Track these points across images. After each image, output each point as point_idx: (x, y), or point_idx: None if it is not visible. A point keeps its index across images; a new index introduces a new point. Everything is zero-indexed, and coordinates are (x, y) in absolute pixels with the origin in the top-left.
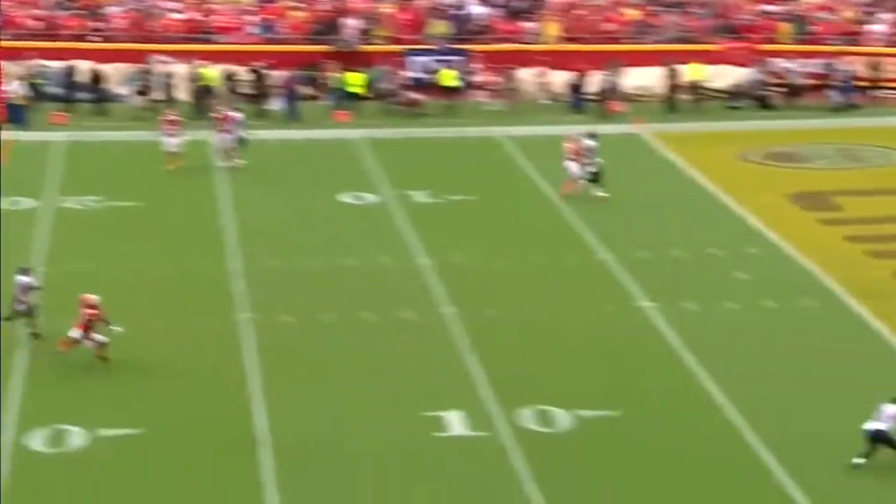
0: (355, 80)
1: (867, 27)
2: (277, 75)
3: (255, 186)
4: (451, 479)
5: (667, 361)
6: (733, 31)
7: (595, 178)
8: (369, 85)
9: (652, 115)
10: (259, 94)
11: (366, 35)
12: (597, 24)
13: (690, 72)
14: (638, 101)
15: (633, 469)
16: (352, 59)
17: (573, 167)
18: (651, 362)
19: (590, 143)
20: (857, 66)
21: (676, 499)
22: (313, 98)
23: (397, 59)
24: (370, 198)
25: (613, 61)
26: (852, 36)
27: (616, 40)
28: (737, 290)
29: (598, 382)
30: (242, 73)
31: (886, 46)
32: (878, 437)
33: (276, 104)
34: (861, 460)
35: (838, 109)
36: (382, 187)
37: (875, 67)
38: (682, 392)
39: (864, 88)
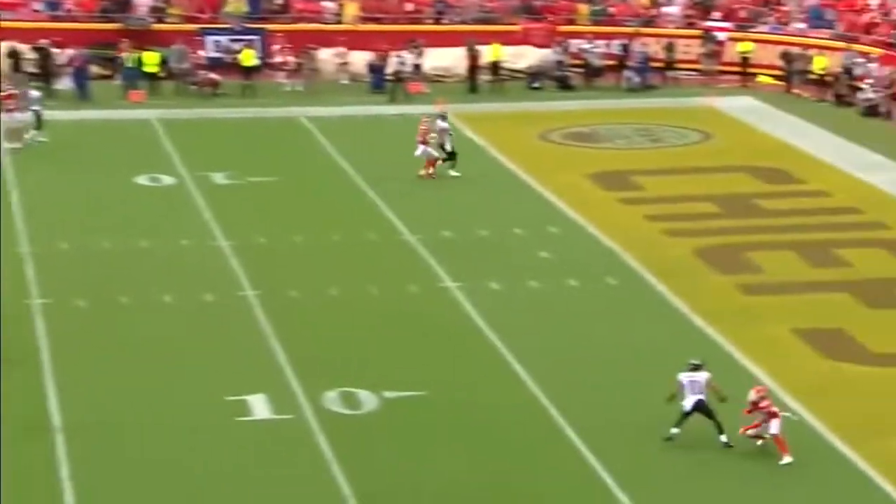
0: (150, 60)
1: (662, 9)
2: (65, 54)
3: (47, 168)
4: (255, 463)
5: (472, 341)
6: (533, 12)
7: (452, 158)
8: (164, 64)
9: (453, 96)
10: (45, 73)
11: (159, 13)
12: (396, 5)
13: (491, 52)
14: (439, 82)
15: (439, 448)
16: (145, 38)
17: (426, 149)
18: (456, 342)
19: (442, 124)
20: (653, 48)
21: (482, 475)
22: (107, 77)
23: (193, 39)
24: (167, 179)
25: (414, 42)
26: (648, 18)
27: (416, 20)
28: (540, 270)
29: (403, 363)
30: (27, 51)
31: (680, 28)
32: (698, 408)
33: (64, 83)
34: (676, 430)
35: (635, 90)
36: (180, 169)
37: (670, 49)
38: (487, 371)
39: (660, 69)
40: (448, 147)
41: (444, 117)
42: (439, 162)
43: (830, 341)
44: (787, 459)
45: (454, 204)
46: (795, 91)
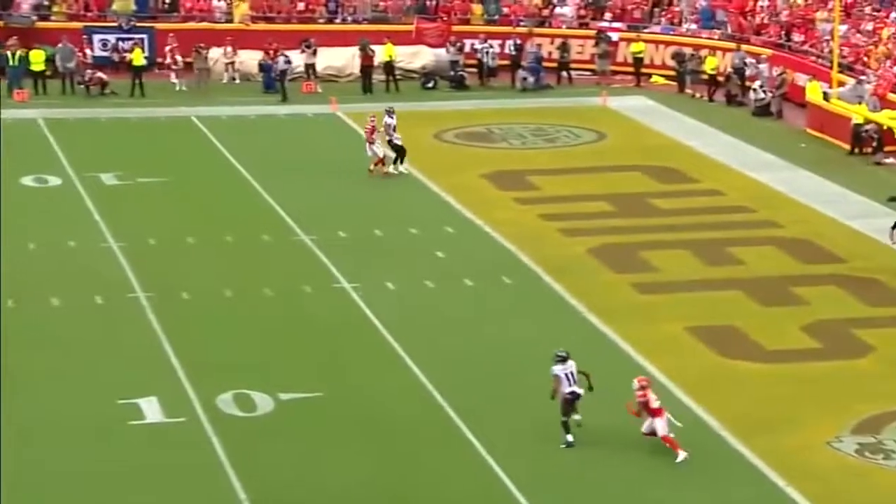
0: (36, 58)
1: (555, 10)
2: None
3: None
4: (147, 467)
5: (368, 341)
6: (427, 12)
7: (400, 154)
8: (51, 63)
9: (346, 96)
10: None
11: (42, 11)
12: (288, 4)
13: (384, 52)
14: (332, 82)
15: (335, 450)
16: (29, 36)
17: (373, 148)
18: (352, 343)
19: (390, 120)
20: (547, 48)
21: (379, 476)
22: None
23: (80, 37)
24: (54, 180)
25: (306, 41)
26: (541, 18)
27: (308, 20)
28: (436, 270)
29: (298, 365)
30: None
31: (574, 28)
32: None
33: None
34: (577, 417)
35: (530, 90)
36: (67, 169)
37: (564, 49)
38: (383, 371)
39: (553, 69)
40: (397, 142)
41: (391, 112)
42: (387, 159)
43: (723, 338)
44: (682, 456)
45: (349, 204)
46: (688, 91)
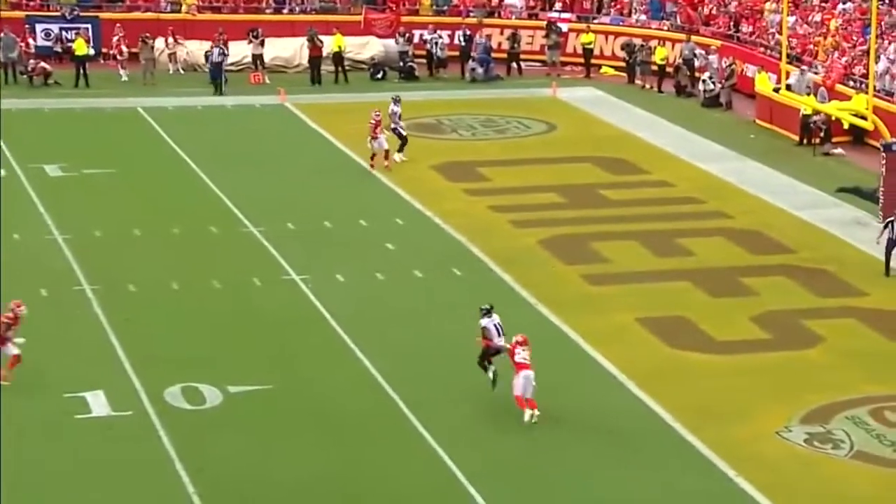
0: None
1: (505, 0)
2: None
3: None
4: (95, 462)
5: (317, 334)
6: (376, 2)
7: (402, 143)
8: None
9: (295, 87)
10: None
11: None
12: None
13: (333, 43)
14: (280, 72)
15: (285, 442)
16: None
17: (376, 142)
18: (301, 335)
19: (395, 108)
20: (497, 39)
21: (329, 468)
22: None
23: (23, 26)
24: None
25: (254, 31)
26: (491, 9)
27: (256, 10)
28: (386, 261)
29: (247, 357)
30: None
31: (523, 19)
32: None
33: None
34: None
35: (479, 81)
36: (11, 161)
37: (514, 40)
38: (332, 364)
39: (503, 60)
40: (401, 132)
41: (396, 101)
42: (389, 151)
43: (674, 329)
44: (528, 415)
45: (298, 196)
46: (637, 82)
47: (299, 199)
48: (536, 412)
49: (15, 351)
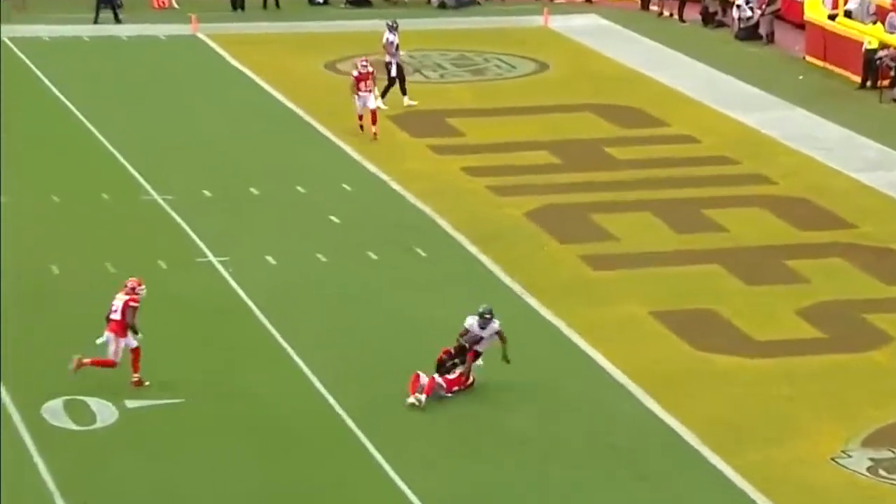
0: None
1: None
2: None
3: None
4: None
5: (241, 330)
6: None
7: (400, 84)
8: None
9: (211, 13)
10: None
11: None
12: None
13: None
14: None
15: (199, 463)
16: None
17: (364, 99)
18: (221, 333)
19: (391, 37)
20: None
21: (254, 492)
22: None
23: None
24: None
25: None
26: None
27: None
28: (330, 239)
29: (151, 362)
30: None
31: None
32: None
33: None
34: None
35: (451, 7)
36: None
37: None
38: (260, 367)
39: None
40: (393, 71)
41: (393, 28)
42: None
43: (698, 325)
44: (411, 400)
45: (215, 153)
46: (653, 7)
47: (217, 159)
48: (423, 398)
49: (134, 343)
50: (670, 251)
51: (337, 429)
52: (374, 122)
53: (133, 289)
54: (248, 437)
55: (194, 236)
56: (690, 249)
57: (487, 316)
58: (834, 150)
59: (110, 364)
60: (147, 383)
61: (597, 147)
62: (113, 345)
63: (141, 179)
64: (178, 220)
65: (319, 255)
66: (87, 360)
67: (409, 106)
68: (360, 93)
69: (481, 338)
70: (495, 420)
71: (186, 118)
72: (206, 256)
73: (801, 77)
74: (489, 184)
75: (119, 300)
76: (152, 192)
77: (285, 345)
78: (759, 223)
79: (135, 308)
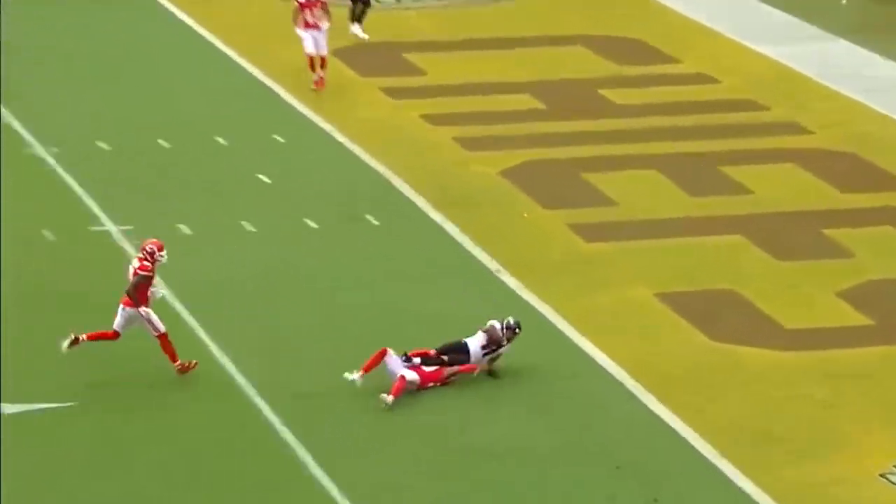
0: None
1: None
2: None
3: None
4: None
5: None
6: None
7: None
8: None
9: None
10: None
11: None
12: None
13: None
14: None
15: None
16: None
17: (314, 40)
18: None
19: None
20: None
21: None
22: None
23: None
24: None
25: None
26: None
27: None
28: (257, 203)
29: (31, 357)
30: None
31: None
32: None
33: None
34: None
35: None
36: None
37: None
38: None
39: None
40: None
41: None
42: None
43: (715, 310)
44: (388, 399)
45: (113, 96)
46: None
47: (114, 102)
48: (390, 399)
49: (161, 327)
50: (681, 218)
51: (269, 445)
52: (323, 66)
53: (152, 254)
54: (148, 454)
55: (87, 199)
56: (706, 216)
57: (517, 331)
58: (885, 93)
59: (110, 336)
60: (194, 363)
61: (590, 89)
62: (120, 317)
63: (21, 130)
64: (67, 178)
65: (245, 223)
66: (84, 336)
67: (359, 38)
68: (308, 28)
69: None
70: (465, 433)
71: (73, 54)
72: (102, 225)
73: (844, 1)
74: (456, 135)
75: (133, 264)
76: (34, 143)
77: (204, 337)
78: (791, 183)
79: (146, 278)
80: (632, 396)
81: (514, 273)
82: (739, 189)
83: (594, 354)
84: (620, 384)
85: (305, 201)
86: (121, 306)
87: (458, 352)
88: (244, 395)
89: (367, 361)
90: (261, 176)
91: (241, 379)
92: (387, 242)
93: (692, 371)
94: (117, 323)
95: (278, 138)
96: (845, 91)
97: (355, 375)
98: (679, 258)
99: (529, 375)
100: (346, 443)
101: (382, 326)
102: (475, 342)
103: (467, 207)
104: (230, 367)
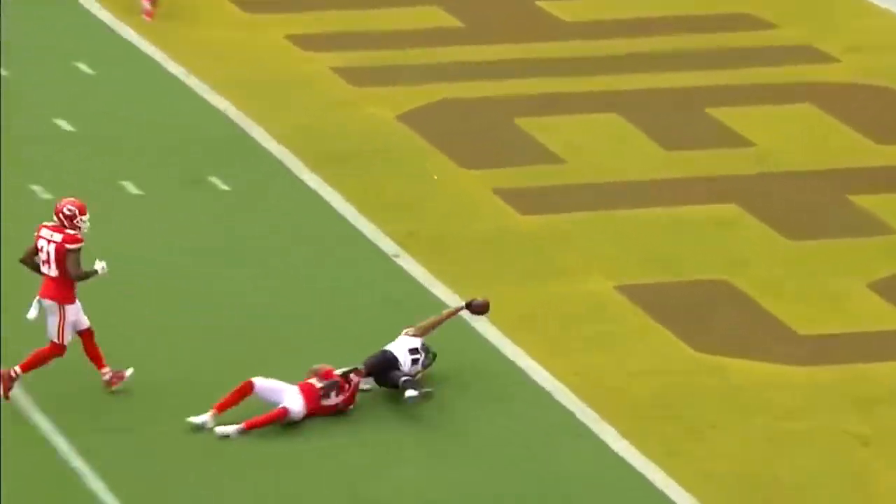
0: None
1: None
2: None
3: None
4: None
5: None
6: None
7: None
8: None
9: None
10: None
11: None
12: None
13: None
14: None
15: None
16: None
17: None
18: None
19: None
20: None
21: None
22: None
23: None
24: None
25: None
26: None
27: None
28: (54, 157)
29: None
30: None
31: None
32: None
33: None
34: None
35: None
36: None
37: None
38: None
39: None
40: None
41: None
42: None
43: (702, 310)
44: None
45: None
46: None
47: None
48: (232, 430)
49: (85, 322)
50: (654, 181)
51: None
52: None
53: (72, 217)
54: None
55: None
56: (688, 177)
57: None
58: None
59: (55, 353)
60: (128, 372)
61: (525, 0)
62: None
63: None
64: None
65: (35, 188)
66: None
67: None
68: None
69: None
70: (358, 483)
71: None
72: None
73: None
74: (338, 64)
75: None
76: None
77: None
78: (806, 130)
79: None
80: (585, 430)
81: (420, 258)
82: (735, 140)
83: (533, 371)
84: (570, 413)
85: (123, 158)
86: (44, 303)
87: (388, 367)
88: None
89: (223, 398)
90: (59, 121)
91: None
92: (239, 215)
93: (668, 395)
94: (49, 330)
95: (84, 68)
96: (882, 3)
97: (205, 418)
98: (651, 237)
99: (444, 401)
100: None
101: (227, 334)
102: (401, 347)
103: (353, 166)
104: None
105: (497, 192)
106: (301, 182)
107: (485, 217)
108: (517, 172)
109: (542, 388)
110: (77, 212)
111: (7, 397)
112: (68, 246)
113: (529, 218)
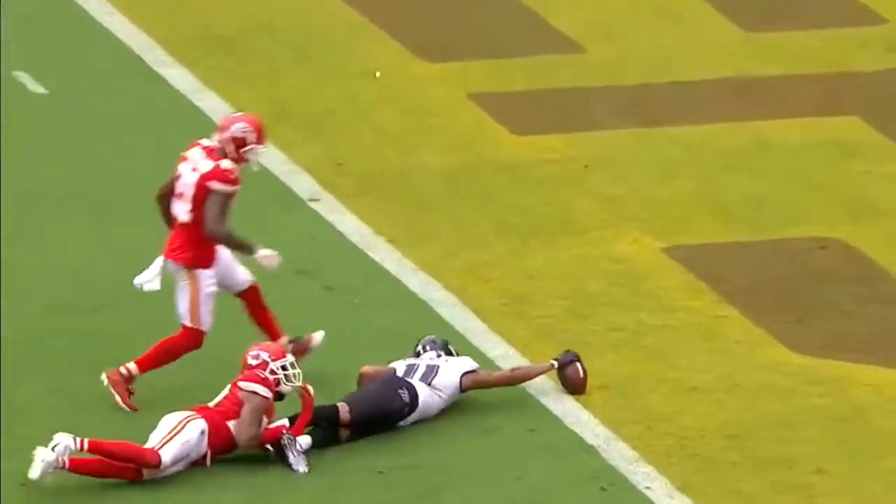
0: None
1: None
2: None
3: None
4: None
5: None
6: None
7: None
8: None
9: None
10: None
11: None
12: None
13: None
14: None
15: None
16: None
17: None
18: None
19: None
20: None
21: None
22: None
23: None
24: None
25: None
26: None
27: None
28: None
29: None
30: None
31: None
32: None
33: None
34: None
35: None
36: None
37: None
38: None
39: None
40: None
41: None
42: None
43: (805, 287)
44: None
45: None
46: None
47: None
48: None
49: (242, 279)
50: (726, 80)
51: None
52: None
53: (239, 144)
54: None
55: None
56: (781, 75)
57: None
58: None
59: (190, 342)
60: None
61: None
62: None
63: None
64: None
65: None
66: None
67: None
68: None
69: None
70: None
71: None
72: None
73: None
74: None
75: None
76: None
77: None
78: None
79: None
80: (630, 485)
81: (353, 203)
82: (854, 15)
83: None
84: (595, 452)
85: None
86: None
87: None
88: None
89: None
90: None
91: None
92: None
93: (747, 423)
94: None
95: None
96: None
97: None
98: (722, 169)
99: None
100: None
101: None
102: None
103: (253, 61)
104: None
105: (473, 97)
106: (181, 94)
107: (455, 140)
108: (507, 66)
109: (555, 415)
110: (254, 137)
111: (129, 404)
112: (213, 184)
113: (527, 138)
